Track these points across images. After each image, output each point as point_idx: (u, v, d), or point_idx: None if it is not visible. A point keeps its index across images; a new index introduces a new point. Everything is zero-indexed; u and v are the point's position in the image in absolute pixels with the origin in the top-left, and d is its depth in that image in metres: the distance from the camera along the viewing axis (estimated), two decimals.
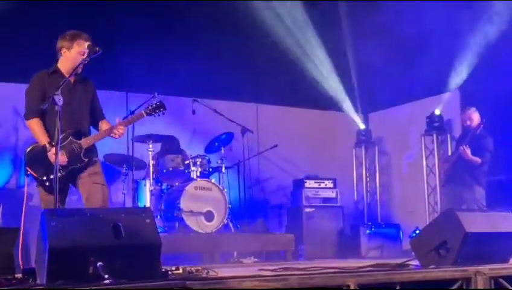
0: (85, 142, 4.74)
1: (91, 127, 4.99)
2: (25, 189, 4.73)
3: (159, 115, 5.07)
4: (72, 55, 4.77)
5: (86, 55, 4.70)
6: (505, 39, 7.26)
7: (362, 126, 10.16)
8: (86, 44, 4.74)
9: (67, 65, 4.78)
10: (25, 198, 4.64)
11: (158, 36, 7.64)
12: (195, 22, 7.45)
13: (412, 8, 7.24)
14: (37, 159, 4.64)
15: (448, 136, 8.90)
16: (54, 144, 4.54)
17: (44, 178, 4.62)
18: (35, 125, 4.68)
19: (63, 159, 4.60)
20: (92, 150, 4.82)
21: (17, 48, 6.96)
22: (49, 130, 4.64)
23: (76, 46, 4.75)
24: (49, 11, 6.72)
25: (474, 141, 7.06)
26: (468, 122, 7.23)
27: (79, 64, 4.70)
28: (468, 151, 6.92)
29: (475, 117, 7.22)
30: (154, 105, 5.05)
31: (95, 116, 5.00)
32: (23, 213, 4.59)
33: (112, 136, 4.87)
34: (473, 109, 7.29)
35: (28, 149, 4.76)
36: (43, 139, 4.61)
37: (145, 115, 5.00)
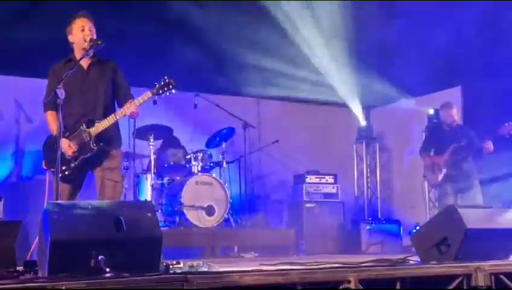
0: (94, 129, 4.65)
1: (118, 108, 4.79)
2: (46, 182, 4.76)
3: (168, 93, 4.66)
4: (74, 37, 4.75)
5: (85, 30, 4.66)
6: (505, 35, 7.25)
7: (363, 122, 10.15)
8: (84, 19, 4.71)
9: (77, 50, 4.75)
10: (46, 191, 4.70)
11: (160, 30, 7.62)
12: (198, 15, 7.43)
13: (413, 5, 7.23)
14: (50, 150, 4.63)
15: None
16: (66, 134, 4.61)
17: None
18: (49, 118, 4.71)
19: (69, 148, 4.59)
20: (106, 139, 4.67)
21: (18, 41, 6.95)
22: (64, 120, 4.57)
23: (74, 26, 4.75)
24: (50, 3, 6.70)
25: (468, 135, 7.08)
26: (455, 117, 7.25)
27: (87, 49, 4.62)
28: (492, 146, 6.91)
29: (456, 112, 7.31)
30: (162, 82, 4.66)
31: (119, 96, 4.81)
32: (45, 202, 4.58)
33: (131, 117, 4.73)
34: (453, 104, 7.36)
35: (45, 142, 4.79)
36: (55, 131, 4.59)
37: (151, 94, 4.65)
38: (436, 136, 7.51)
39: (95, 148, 4.64)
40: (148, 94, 4.67)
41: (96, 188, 4.77)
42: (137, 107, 4.64)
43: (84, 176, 4.80)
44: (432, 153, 7.38)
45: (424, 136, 8.44)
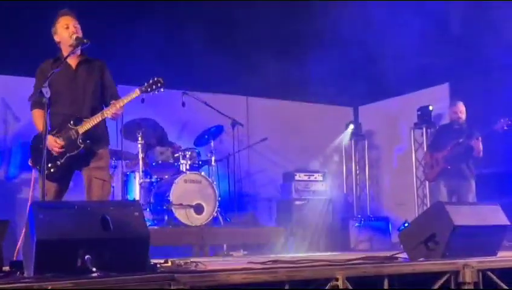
0: (81, 127, 4.63)
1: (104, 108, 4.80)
2: (32, 179, 4.74)
3: (157, 92, 4.71)
4: (60, 34, 4.73)
5: (70, 27, 4.64)
6: (493, 32, 7.27)
7: (352, 119, 10.17)
8: (67, 17, 4.69)
9: (64, 48, 4.73)
10: (31, 189, 4.68)
11: (147, 29, 7.59)
12: (184, 13, 7.40)
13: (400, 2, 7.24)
14: (36, 148, 4.61)
15: (437, 128, 8.93)
16: (54, 131, 4.60)
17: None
18: (35, 116, 4.67)
19: (58, 146, 4.57)
20: (93, 137, 4.65)
21: (5, 40, 6.90)
22: (51, 118, 4.63)
23: (58, 24, 4.72)
24: (36, 2, 6.66)
25: (471, 135, 7.06)
26: (460, 115, 7.22)
27: (73, 48, 4.61)
28: (481, 145, 6.91)
29: (464, 110, 7.25)
30: (150, 81, 4.71)
31: (105, 95, 4.80)
32: (28, 205, 4.55)
33: (111, 118, 4.70)
34: (461, 102, 7.31)
35: (32, 140, 4.75)
36: (41, 128, 4.57)
37: (139, 92, 4.67)
38: (443, 133, 7.51)
39: (82, 145, 4.62)
40: (136, 92, 4.68)
41: (84, 188, 4.74)
42: (122, 107, 4.65)
43: (71, 175, 4.78)
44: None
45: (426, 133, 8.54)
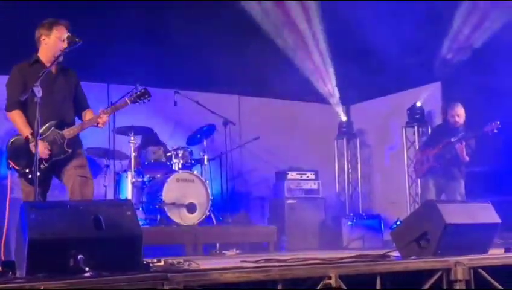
0: (68, 132, 4.68)
1: (76, 118, 4.92)
2: (8, 182, 4.67)
3: (143, 102, 5.05)
4: (51, 41, 4.71)
5: (65, 41, 4.64)
6: (485, 31, 7.31)
7: (344, 118, 10.19)
8: (65, 30, 4.69)
9: (48, 53, 4.73)
10: (8, 191, 4.59)
11: (140, 28, 7.58)
12: (177, 13, 7.39)
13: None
14: (19, 151, 4.60)
15: (429, 128, 8.95)
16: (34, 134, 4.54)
17: (27, 170, 4.57)
18: (17, 117, 4.63)
19: (45, 150, 4.56)
20: (75, 141, 4.75)
21: None
22: (31, 122, 4.55)
23: (55, 31, 4.71)
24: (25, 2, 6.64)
25: (463, 136, 7.04)
26: (457, 119, 7.13)
27: (60, 54, 4.64)
28: (464, 150, 6.90)
29: (462, 113, 7.13)
30: (138, 92, 5.05)
31: (79, 106, 4.92)
32: (7, 206, 4.54)
33: (96, 126, 4.79)
34: (460, 104, 7.23)
35: (10, 141, 4.72)
36: (24, 131, 4.56)
37: (129, 102, 4.97)
38: (438, 133, 7.47)
39: (69, 150, 4.69)
40: (127, 102, 4.99)
41: (65, 189, 4.77)
42: (107, 118, 4.83)
43: (51, 178, 4.79)
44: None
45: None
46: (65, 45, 4.64)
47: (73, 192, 4.65)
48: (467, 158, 6.95)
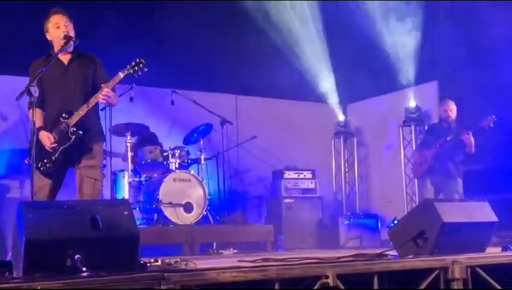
0: (72, 119, 4.63)
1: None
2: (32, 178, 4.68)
3: (140, 73, 4.66)
4: (51, 33, 4.75)
5: (61, 28, 4.65)
6: (483, 30, 7.31)
7: (341, 117, 10.19)
8: (60, 16, 4.69)
9: (56, 46, 4.73)
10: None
11: (137, 27, 7.57)
12: (174, 12, 7.39)
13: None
14: (32, 146, 4.60)
15: (426, 127, 8.96)
16: (48, 128, 4.64)
17: (40, 163, 4.59)
18: (31, 116, 4.58)
19: (50, 140, 4.58)
20: (82, 128, 4.64)
21: None
22: (46, 116, 4.68)
23: (50, 24, 4.74)
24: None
25: (461, 132, 7.06)
26: (449, 113, 7.20)
27: (65, 42, 4.60)
28: (473, 141, 6.91)
29: (454, 108, 7.23)
30: (133, 63, 4.68)
31: (100, 88, 4.72)
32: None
33: (102, 102, 4.70)
34: (451, 100, 7.30)
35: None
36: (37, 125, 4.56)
37: (122, 75, 4.65)
38: (433, 132, 7.49)
39: (73, 137, 4.62)
40: (120, 76, 4.67)
41: (67, 186, 4.77)
42: (112, 91, 4.65)
43: (64, 172, 4.78)
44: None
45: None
46: (62, 29, 4.64)
47: (79, 191, 4.68)
48: (473, 149, 6.95)
